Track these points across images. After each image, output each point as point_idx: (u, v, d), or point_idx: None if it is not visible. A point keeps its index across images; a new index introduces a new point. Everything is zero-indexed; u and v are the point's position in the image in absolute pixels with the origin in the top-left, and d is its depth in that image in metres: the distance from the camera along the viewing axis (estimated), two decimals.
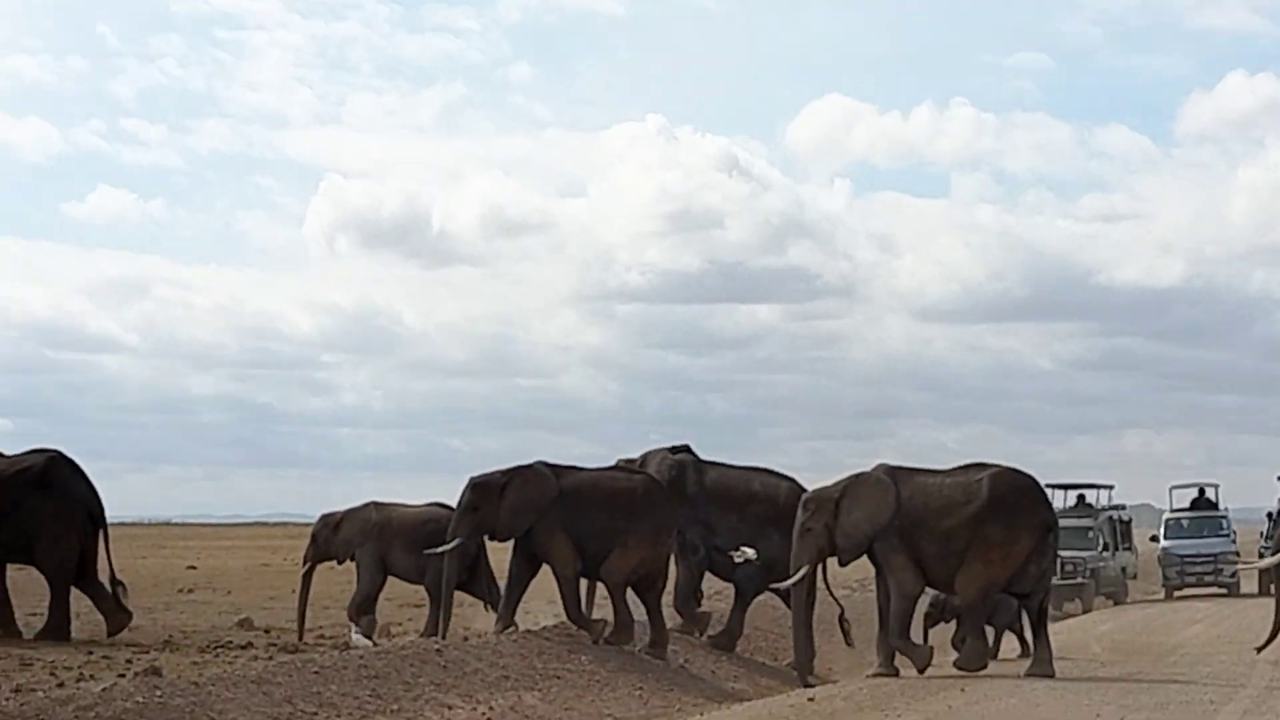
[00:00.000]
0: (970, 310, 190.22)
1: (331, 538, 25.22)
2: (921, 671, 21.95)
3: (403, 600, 28.25)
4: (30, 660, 20.00)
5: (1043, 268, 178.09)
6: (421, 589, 25.36)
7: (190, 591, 34.88)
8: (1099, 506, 44.51)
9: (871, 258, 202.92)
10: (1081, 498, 44.73)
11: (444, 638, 21.90)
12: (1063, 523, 41.20)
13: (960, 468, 22.69)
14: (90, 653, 20.97)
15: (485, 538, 23.53)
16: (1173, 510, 46.41)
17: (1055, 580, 39.73)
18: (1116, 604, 42.24)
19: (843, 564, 22.86)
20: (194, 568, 45.45)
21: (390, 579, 25.09)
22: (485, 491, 22.84)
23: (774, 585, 23.77)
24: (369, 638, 23.79)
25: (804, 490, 24.17)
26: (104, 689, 15.67)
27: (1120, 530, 44.36)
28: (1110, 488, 45.79)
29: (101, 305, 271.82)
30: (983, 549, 21.93)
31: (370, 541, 24.75)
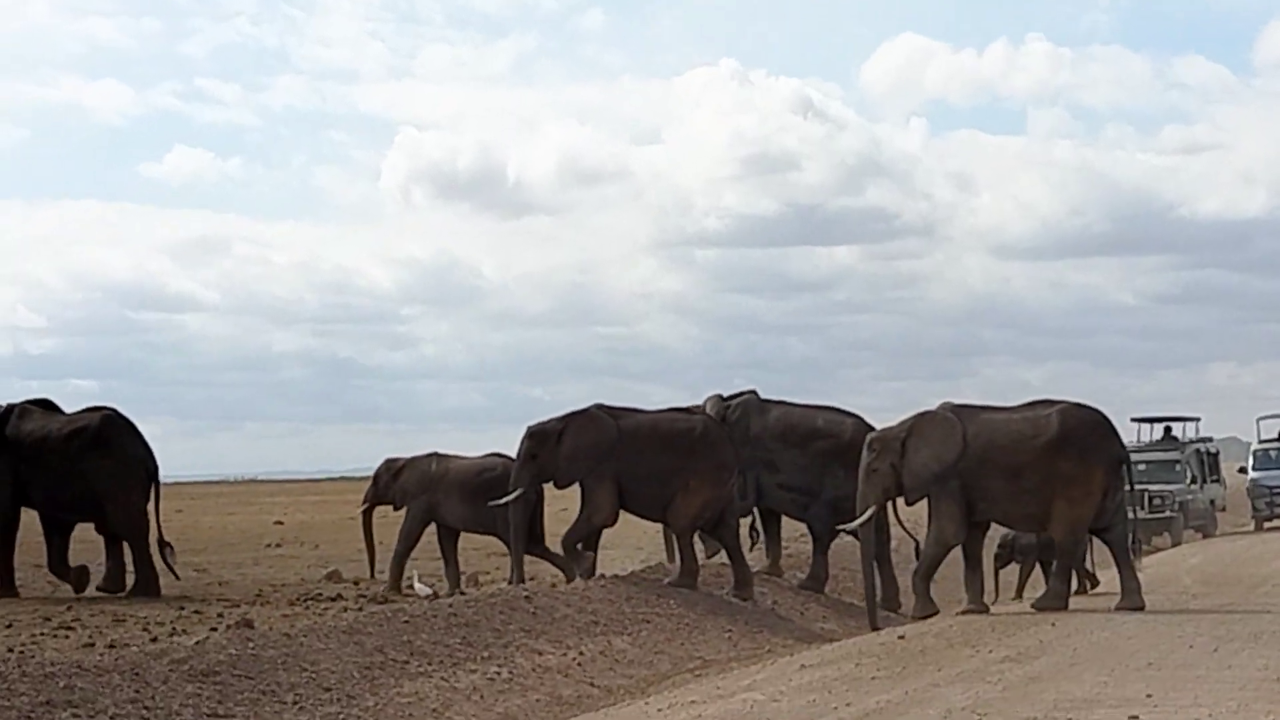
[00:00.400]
0: (1050, 247, 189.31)
1: (391, 483, 25.53)
2: (918, 620, 21.83)
3: (490, 549, 28.31)
4: (123, 616, 20.16)
5: (1123, 202, 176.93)
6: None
7: (278, 546, 35.08)
8: (1185, 439, 44.14)
9: (950, 196, 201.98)
10: (1168, 430, 44.37)
11: (519, 584, 21.94)
12: (1149, 456, 41.42)
13: (1027, 404, 22.53)
14: (182, 608, 21.11)
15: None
16: (1260, 441, 45.98)
17: (1143, 514, 39.70)
18: (1205, 537, 41.89)
19: (909, 503, 22.75)
20: (281, 523, 45.70)
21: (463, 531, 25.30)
22: (542, 439, 22.85)
23: (841, 526, 23.61)
24: (430, 585, 23.85)
25: (870, 427, 24.04)
26: (197, 642, 15.77)
27: (1208, 462, 43.96)
28: (1197, 420, 45.43)
29: (181, 264, 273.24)
30: (1063, 486, 21.78)
31: (424, 494, 24.94)
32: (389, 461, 25.77)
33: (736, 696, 14.82)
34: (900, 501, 22.58)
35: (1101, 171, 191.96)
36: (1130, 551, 22.46)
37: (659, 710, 14.62)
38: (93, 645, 16.32)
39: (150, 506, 24.26)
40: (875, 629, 21.75)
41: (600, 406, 23.13)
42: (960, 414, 22.34)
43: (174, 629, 17.98)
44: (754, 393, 25.57)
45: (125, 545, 23.92)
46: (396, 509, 25.85)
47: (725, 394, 25.58)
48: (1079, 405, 22.44)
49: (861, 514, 22.45)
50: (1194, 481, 42.26)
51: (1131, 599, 21.74)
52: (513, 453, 23.55)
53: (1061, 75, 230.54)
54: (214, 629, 17.41)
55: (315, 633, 16.64)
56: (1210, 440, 45.82)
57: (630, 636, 19.70)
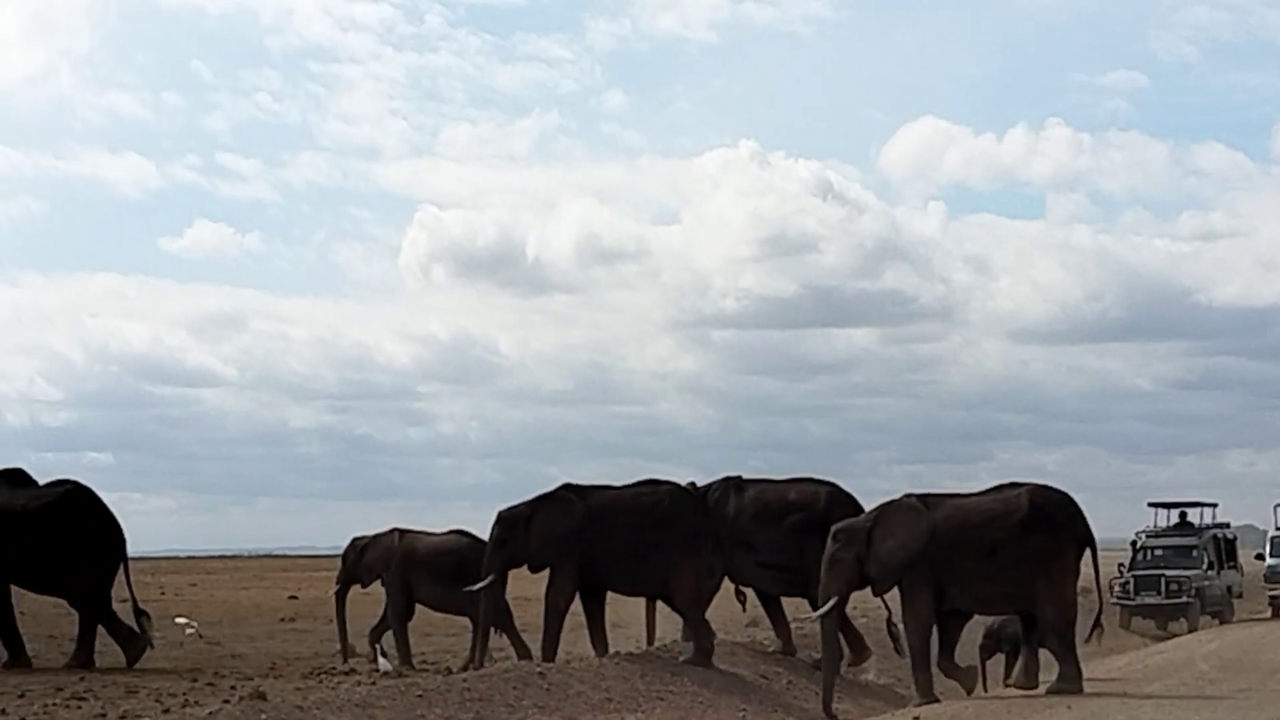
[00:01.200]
0: (1068, 331, 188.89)
1: (357, 562, 25.73)
2: (970, 693, 21.83)
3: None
4: (135, 688, 20.12)
5: (1141, 287, 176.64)
6: (447, 616, 25.89)
7: (292, 620, 35.05)
8: (1202, 525, 43.97)
9: (968, 280, 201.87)
10: (1184, 515, 44.20)
11: (479, 667, 21.83)
12: (1167, 541, 41.35)
13: (993, 488, 22.52)
14: (194, 680, 21.08)
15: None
16: (1277, 528, 45.78)
17: (1159, 599, 39.53)
18: (1222, 623, 41.67)
19: (877, 594, 22.64)
20: (295, 597, 45.64)
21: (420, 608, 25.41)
22: (512, 524, 22.79)
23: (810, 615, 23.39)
24: (392, 662, 23.79)
25: (847, 495, 24.05)
26: (210, 713, 15.75)
27: (1225, 548, 43.75)
28: (1214, 506, 45.21)
29: (200, 339, 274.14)
30: (1041, 565, 21.69)
31: (393, 568, 25.04)
32: (354, 540, 25.98)
33: None
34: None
35: (1119, 256, 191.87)
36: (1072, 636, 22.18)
37: None
38: (105, 716, 16.30)
39: (120, 578, 24.40)
40: (829, 715, 21.60)
41: (568, 487, 23.08)
42: (926, 502, 22.34)
43: (186, 700, 17.95)
44: (737, 477, 25.48)
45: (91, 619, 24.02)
46: (364, 587, 26.09)
47: (732, 475, 25.51)
48: (1045, 486, 22.51)
49: (824, 604, 22.31)
50: (1210, 567, 42.05)
51: (1070, 682, 21.64)
52: (475, 529, 23.78)
53: (1081, 160, 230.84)
54: (226, 701, 17.36)
55: (328, 705, 16.62)
56: (1227, 526, 45.63)
57: (644, 714, 19.62)
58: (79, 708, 17.54)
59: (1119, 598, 39.32)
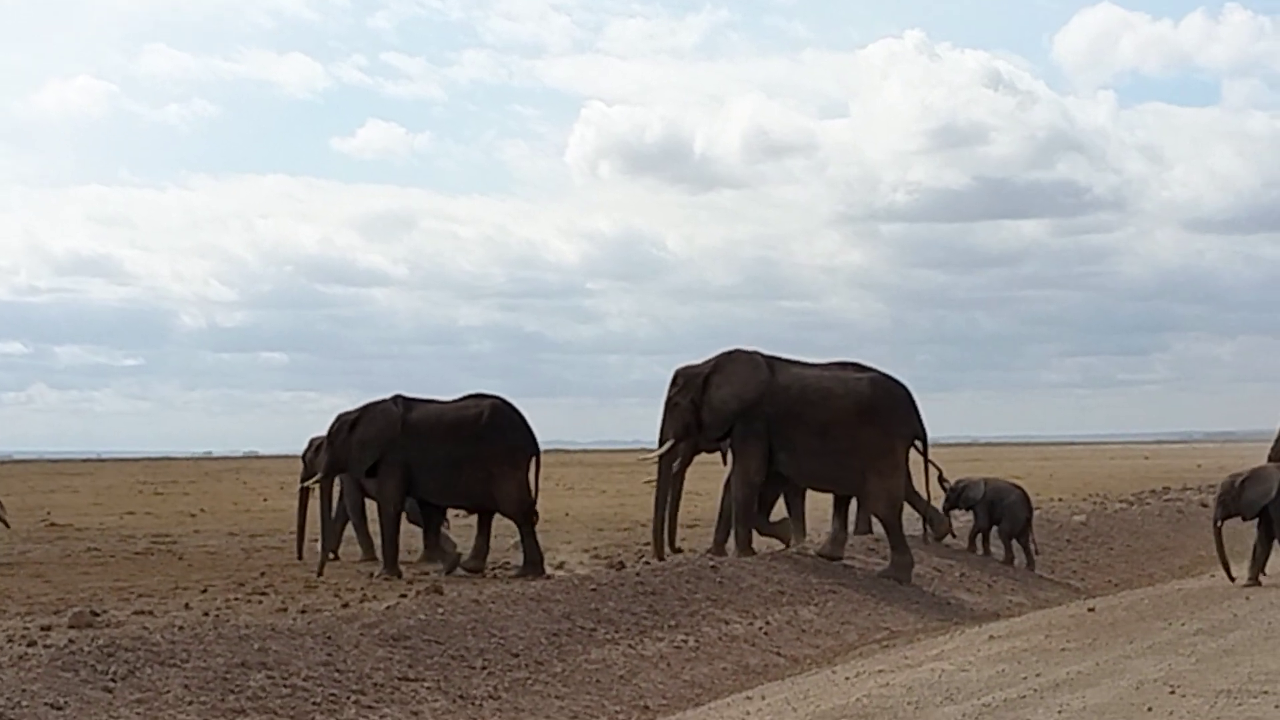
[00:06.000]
0: (1244, 220, 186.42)
1: (313, 459, 24.90)
2: (787, 545, 22.23)
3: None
4: (315, 583, 20.43)
5: None
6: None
7: (467, 516, 35.31)
8: None
9: (1141, 169, 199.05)
10: None
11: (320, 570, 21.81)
12: None
13: (837, 364, 22.71)
14: (371, 574, 21.36)
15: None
16: None
17: None
18: None
19: (708, 440, 22.90)
20: None
21: None
22: (338, 428, 22.87)
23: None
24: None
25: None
26: (388, 607, 15.96)
27: None
28: None
29: (370, 239, 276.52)
30: (870, 460, 21.79)
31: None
32: (312, 440, 25.71)
33: (924, 666, 14.75)
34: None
35: None
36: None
37: (846, 679, 14.58)
38: (285, 610, 16.55)
39: None
40: (660, 558, 21.67)
41: (400, 397, 23.04)
42: (770, 362, 22.53)
43: (365, 595, 18.17)
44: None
45: None
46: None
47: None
48: (886, 377, 22.50)
49: (660, 446, 22.85)
50: None
51: (901, 571, 21.94)
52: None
53: (1260, 44, 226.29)
54: (404, 595, 17.57)
55: (503, 599, 16.78)
56: None
57: (817, 607, 19.65)
58: (260, 602, 17.83)
59: None
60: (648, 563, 21.49)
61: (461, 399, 22.87)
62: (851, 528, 23.29)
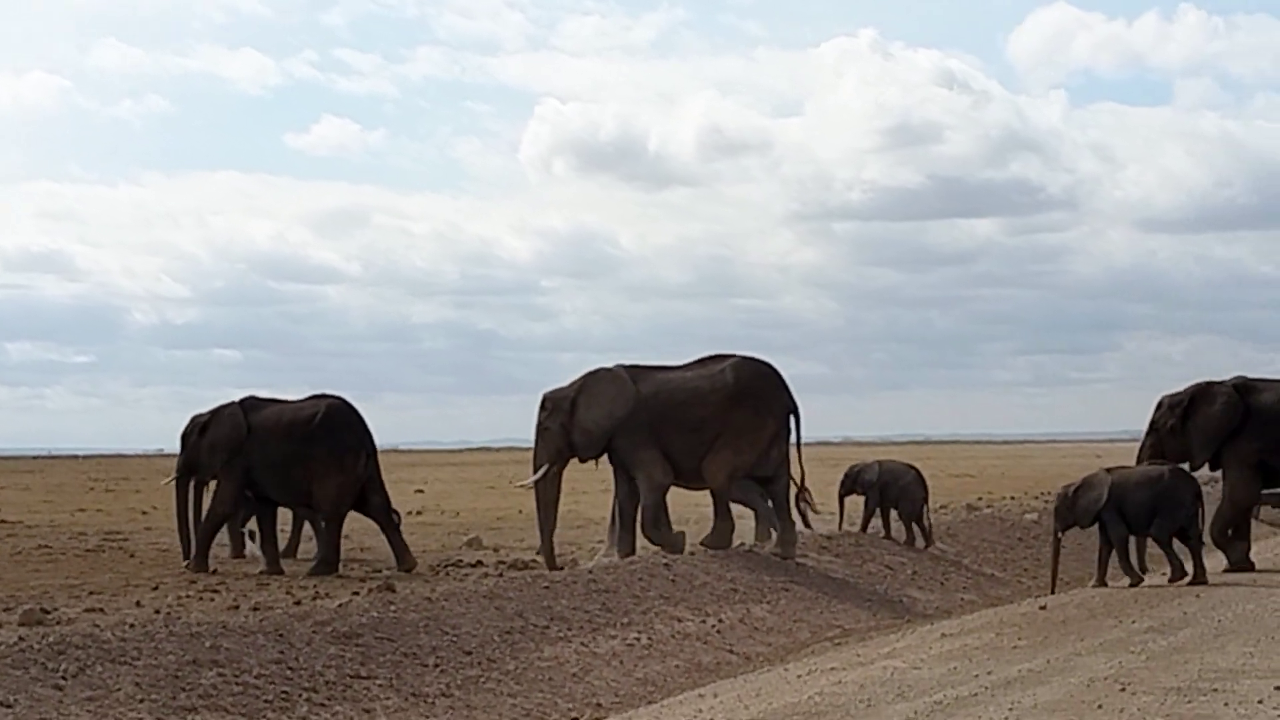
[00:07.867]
0: (1195, 220, 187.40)
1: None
2: (678, 552, 22.06)
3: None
4: (266, 581, 20.39)
5: (1269, 173, 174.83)
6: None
7: (419, 514, 35.31)
8: None
9: (1094, 169, 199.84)
10: None
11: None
12: None
13: (699, 360, 23.04)
14: (259, 574, 21.41)
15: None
16: None
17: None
18: None
19: (582, 460, 23.20)
20: (421, 491, 46.01)
21: None
22: (190, 430, 23.55)
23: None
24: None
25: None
26: (340, 605, 15.92)
27: None
28: None
29: (323, 235, 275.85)
30: (733, 436, 22.25)
31: None
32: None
33: (877, 664, 14.76)
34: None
35: (1247, 143, 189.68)
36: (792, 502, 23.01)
37: (798, 677, 14.59)
38: (237, 607, 16.52)
39: None
40: (553, 569, 21.59)
41: (250, 398, 23.37)
42: (633, 373, 22.92)
43: (317, 592, 18.15)
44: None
45: None
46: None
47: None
48: (749, 359, 22.92)
49: (536, 471, 23.13)
50: None
51: (787, 549, 22.35)
52: None
53: (1213, 45, 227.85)
54: (356, 593, 17.54)
55: (456, 597, 16.76)
56: None
57: (769, 605, 19.69)
58: (212, 599, 17.80)
59: None
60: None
61: (303, 400, 23.20)
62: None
